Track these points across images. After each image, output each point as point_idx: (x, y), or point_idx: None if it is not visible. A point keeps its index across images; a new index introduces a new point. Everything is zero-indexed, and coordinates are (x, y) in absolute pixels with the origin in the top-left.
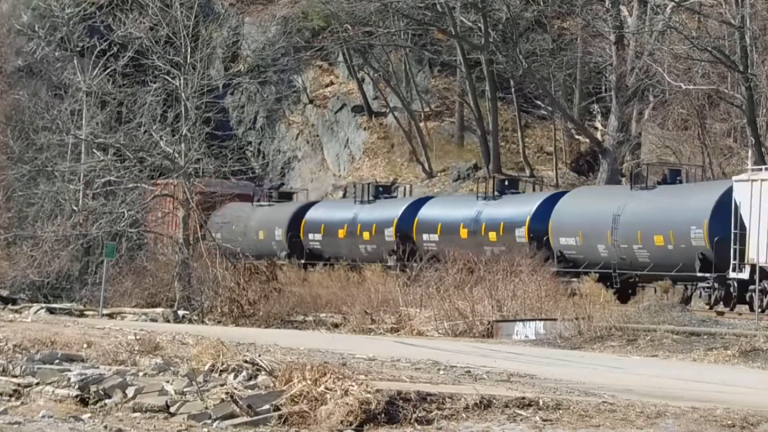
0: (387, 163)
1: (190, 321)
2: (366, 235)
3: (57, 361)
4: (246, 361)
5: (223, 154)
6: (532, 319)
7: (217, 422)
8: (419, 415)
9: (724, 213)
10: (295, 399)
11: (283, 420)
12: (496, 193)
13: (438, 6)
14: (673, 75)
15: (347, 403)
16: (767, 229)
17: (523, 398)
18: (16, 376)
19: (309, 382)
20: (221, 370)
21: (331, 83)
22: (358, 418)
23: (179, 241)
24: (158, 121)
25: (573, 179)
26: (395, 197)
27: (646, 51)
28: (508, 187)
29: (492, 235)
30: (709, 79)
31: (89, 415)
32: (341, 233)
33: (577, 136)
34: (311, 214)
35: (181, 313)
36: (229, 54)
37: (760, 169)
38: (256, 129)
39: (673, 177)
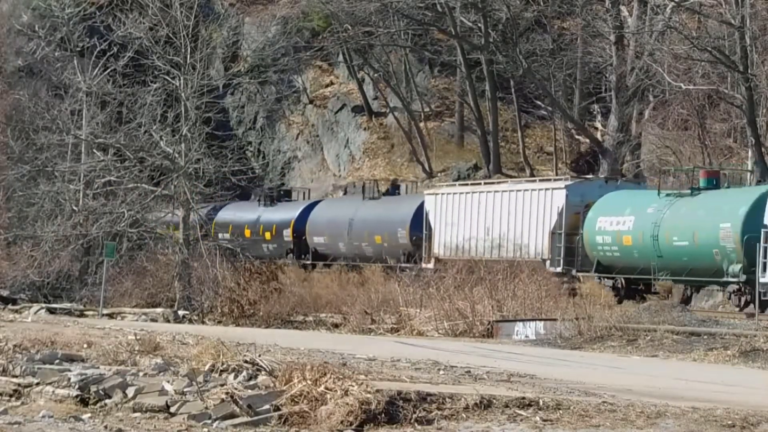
0: (387, 163)
1: (190, 321)
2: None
3: (57, 361)
4: (246, 361)
5: (223, 154)
6: (532, 319)
7: (217, 422)
8: (419, 415)
9: (419, 219)
10: (296, 399)
11: (283, 420)
12: (272, 200)
13: (438, 6)
14: (673, 75)
15: (347, 403)
16: (445, 232)
17: (524, 398)
18: (16, 376)
19: (309, 382)
20: (221, 370)
21: (331, 83)
22: (359, 418)
23: (179, 241)
24: (158, 121)
25: None
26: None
27: (646, 51)
28: (283, 195)
29: (267, 235)
30: (709, 79)
31: (89, 415)
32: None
33: (577, 136)
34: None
35: (181, 313)
36: (229, 54)
37: (442, 185)
38: (256, 129)
39: (393, 190)
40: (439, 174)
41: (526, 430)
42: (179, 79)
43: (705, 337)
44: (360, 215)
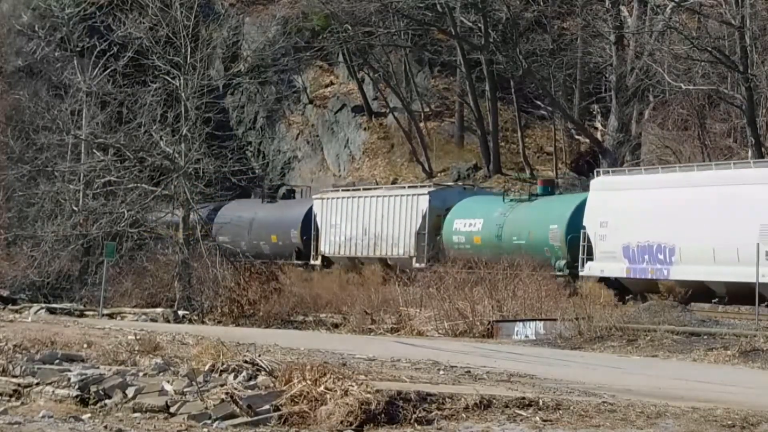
0: (387, 164)
1: (190, 321)
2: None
3: (57, 361)
4: (246, 362)
5: (223, 154)
6: (532, 319)
7: (217, 422)
8: (419, 415)
9: (309, 220)
10: (295, 399)
11: (283, 420)
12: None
13: (438, 6)
14: (673, 75)
15: (347, 404)
16: (329, 232)
17: (523, 398)
18: (16, 376)
19: (309, 382)
20: (221, 370)
21: (331, 83)
22: (358, 418)
23: (179, 241)
24: (158, 121)
25: (573, 179)
26: None
27: (646, 51)
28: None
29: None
30: (709, 80)
31: (89, 415)
32: None
33: (577, 137)
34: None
35: (181, 313)
36: (229, 54)
37: (328, 191)
38: (256, 129)
39: (288, 194)
40: (439, 174)
41: (526, 430)
42: (179, 79)
43: (705, 337)
44: (259, 217)
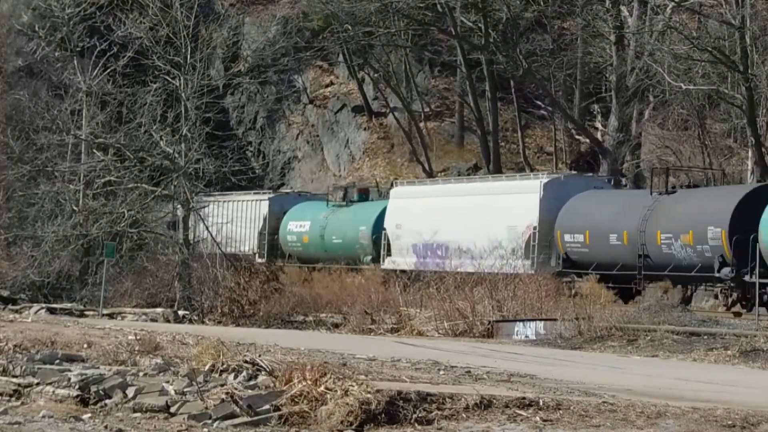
0: (387, 164)
1: (191, 321)
2: None
3: (57, 361)
4: (246, 362)
5: (223, 154)
6: (532, 319)
7: (217, 422)
8: (419, 415)
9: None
10: (296, 399)
11: (283, 420)
12: None
13: (438, 6)
14: (673, 75)
15: (347, 403)
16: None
17: (524, 398)
18: (16, 376)
19: (309, 382)
20: (221, 370)
21: (331, 83)
22: (359, 418)
23: (179, 241)
24: (158, 121)
25: None
26: None
27: (646, 51)
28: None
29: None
30: (709, 80)
31: (89, 415)
32: None
33: (577, 137)
34: None
35: (181, 313)
36: (229, 54)
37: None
38: (256, 129)
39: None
40: (439, 174)
41: (526, 430)
42: (179, 79)
43: (705, 337)
44: None
